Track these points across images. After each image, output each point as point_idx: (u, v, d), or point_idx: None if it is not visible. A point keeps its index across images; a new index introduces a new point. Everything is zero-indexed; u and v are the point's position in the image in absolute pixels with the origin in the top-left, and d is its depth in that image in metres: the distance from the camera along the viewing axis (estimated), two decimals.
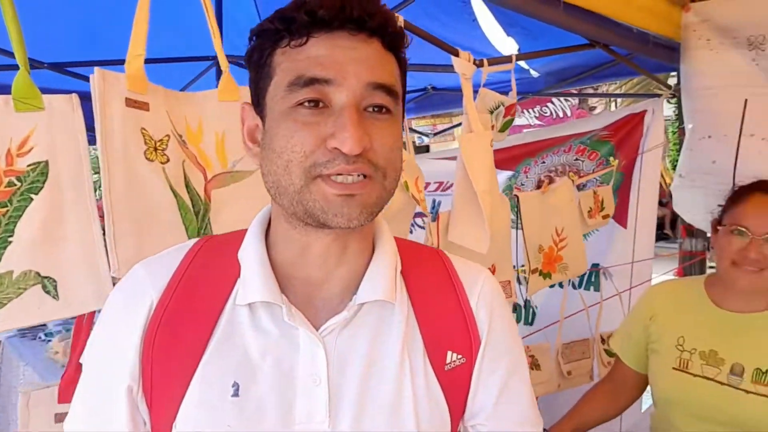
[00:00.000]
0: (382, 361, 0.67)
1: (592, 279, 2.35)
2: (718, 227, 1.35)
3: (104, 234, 0.94)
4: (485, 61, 1.50)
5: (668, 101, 2.58)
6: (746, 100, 2.19)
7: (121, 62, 0.96)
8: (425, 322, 0.70)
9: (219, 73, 1.14)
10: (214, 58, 2.43)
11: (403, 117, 0.71)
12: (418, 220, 1.54)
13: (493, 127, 1.52)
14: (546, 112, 12.23)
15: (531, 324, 2.29)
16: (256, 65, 0.63)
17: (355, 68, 0.59)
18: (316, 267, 0.67)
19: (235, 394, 0.63)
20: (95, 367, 0.68)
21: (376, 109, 0.61)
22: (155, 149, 0.98)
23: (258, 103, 0.65)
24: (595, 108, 11.64)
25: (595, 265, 2.32)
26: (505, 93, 1.58)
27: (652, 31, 2.17)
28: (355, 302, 0.67)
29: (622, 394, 1.52)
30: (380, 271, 0.69)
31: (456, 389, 0.70)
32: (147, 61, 0.97)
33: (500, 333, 0.74)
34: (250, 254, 0.67)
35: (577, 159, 2.61)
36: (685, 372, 1.34)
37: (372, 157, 0.60)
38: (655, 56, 2.27)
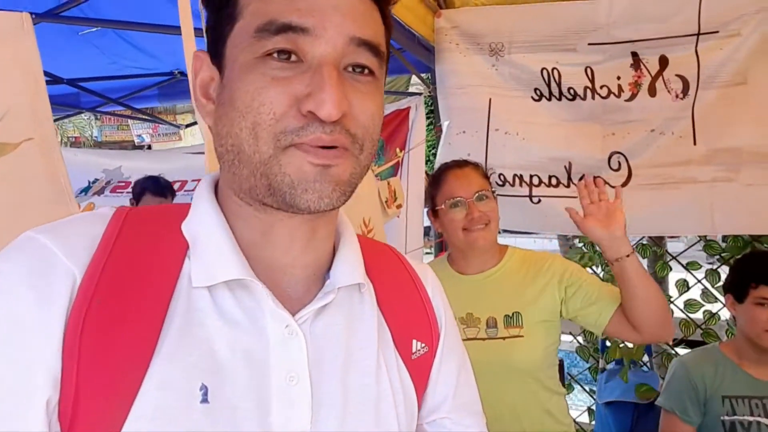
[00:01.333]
0: (359, 352, 0.61)
1: None
2: (436, 209, 1.52)
3: None
4: None
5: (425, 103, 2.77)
6: (490, 99, 2.48)
7: None
8: (389, 310, 0.66)
9: None
10: None
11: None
12: None
13: None
14: None
15: None
16: (216, 4, 0.54)
17: (339, 18, 0.51)
18: (281, 251, 0.58)
19: (204, 400, 0.51)
20: None
21: (358, 69, 0.53)
22: None
23: (216, 51, 0.55)
24: None
25: None
26: None
27: (415, 30, 2.29)
28: (333, 286, 0.59)
29: None
30: (351, 251, 0.63)
31: (421, 379, 0.68)
32: None
33: (451, 321, 0.74)
34: (209, 227, 0.56)
35: None
36: None
37: (350, 125, 0.52)
38: (419, 54, 2.41)
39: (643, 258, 2.86)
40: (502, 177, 2.46)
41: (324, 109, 0.49)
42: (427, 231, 2.87)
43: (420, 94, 2.64)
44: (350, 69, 0.53)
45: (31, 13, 1.65)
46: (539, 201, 2.42)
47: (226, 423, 0.52)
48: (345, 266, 0.61)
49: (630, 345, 2.64)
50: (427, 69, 2.57)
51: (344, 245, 0.63)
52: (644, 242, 2.83)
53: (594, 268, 2.88)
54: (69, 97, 3.27)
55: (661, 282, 2.92)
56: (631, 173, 2.30)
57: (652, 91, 2.28)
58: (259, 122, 0.50)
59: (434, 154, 3.04)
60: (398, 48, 2.29)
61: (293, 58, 0.51)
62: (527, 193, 2.43)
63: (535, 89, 2.41)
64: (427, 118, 2.95)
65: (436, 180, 1.54)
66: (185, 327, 0.53)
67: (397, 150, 2.18)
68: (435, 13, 2.47)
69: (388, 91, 5.74)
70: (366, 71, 0.54)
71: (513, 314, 1.45)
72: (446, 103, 2.52)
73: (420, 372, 0.67)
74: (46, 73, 2.65)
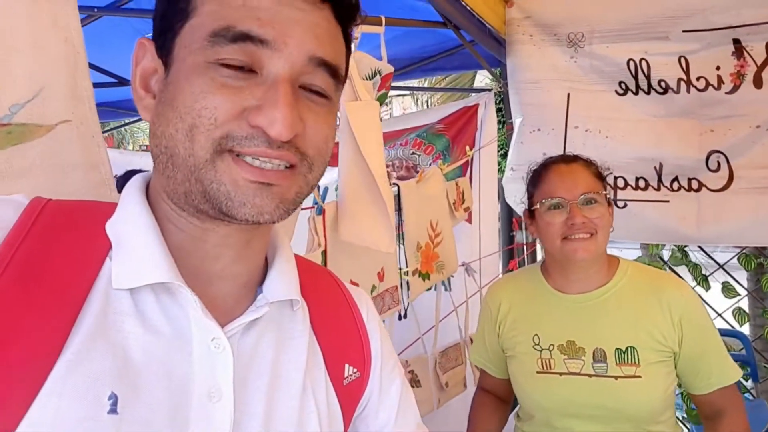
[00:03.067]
0: (288, 372, 0.59)
1: (448, 280, 2.22)
2: (533, 210, 1.30)
3: None
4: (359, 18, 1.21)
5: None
6: (569, 95, 2.29)
7: None
8: (323, 332, 0.64)
9: None
10: None
11: None
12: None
13: None
14: None
15: None
16: None
17: (300, 34, 0.49)
18: (211, 259, 0.55)
19: (113, 410, 0.47)
20: None
21: (314, 91, 0.52)
22: None
23: (163, 44, 0.51)
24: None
25: None
26: None
27: (485, 21, 2.14)
28: (266, 300, 0.57)
29: (506, 399, 1.43)
30: (286, 267, 0.61)
31: (350, 404, 0.66)
32: None
33: (388, 346, 0.73)
34: (136, 228, 0.52)
35: (413, 153, 2.48)
36: (550, 373, 1.26)
37: (301, 144, 0.51)
38: (490, 47, 2.25)
39: (747, 270, 2.56)
40: None
41: (275, 128, 0.47)
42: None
43: (489, 90, 2.47)
44: (307, 90, 0.51)
45: (93, 7, 1.62)
46: (625, 205, 2.20)
47: None
48: (278, 281, 0.59)
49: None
50: (497, 63, 2.41)
51: (279, 259, 0.61)
52: (747, 253, 2.53)
53: None
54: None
55: (766, 298, 2.61)
56: (732, 175, 2.05)
57: (758, 82, 2.02)
58: (197, 125, 0.48)
59: (504, 155, 2.87)
60: (469, 40, 2.13)
61: (247, 69, 0.49)
62: (611, 197, 2.22)
63: (620, 82, 2.20)
64: (497, 115, 2.78)
65: (536, 175, 1.31)
66: (98, 330, 0.48)
67: (467, 148, 2.02)
68: (506, 3, 2.30)
69: (452, 88, 5.63)
70: (322, 95, 0.52)
71: (627, 349, 1.21)
72: (519, 99, 2.34)
73: (350, 398, 0.66)
74: (113, 75, 2.64)
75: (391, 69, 1.31)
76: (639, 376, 1.19)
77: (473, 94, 2.54)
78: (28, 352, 0.45)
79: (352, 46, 1.22)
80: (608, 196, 1.27)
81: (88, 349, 0.47)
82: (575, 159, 1.30)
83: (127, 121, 3.97)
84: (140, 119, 3.81)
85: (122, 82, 2.63)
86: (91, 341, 0.48)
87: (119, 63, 2.32)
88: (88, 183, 0.58)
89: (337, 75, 0.53)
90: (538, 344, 1.27)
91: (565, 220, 1.21)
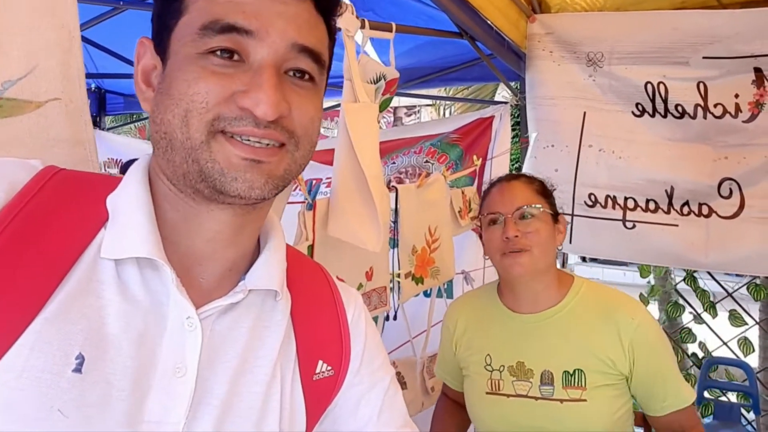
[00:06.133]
0: (257, 359, 0.60)
1: (444, 286, 2.22)
2: (479, 225, 1.31)
3: None
4: (366, 23, 1.25)
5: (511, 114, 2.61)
6: (585, 113, 2.28)
7: None
8: (301, 326, 0.66)
9: None
10: None
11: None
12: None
13: None
14: None
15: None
16: None
17: (282, 24, 0.53)
18: (203, 240, 0.58)
19: (77, 369, 0.50)
20: None
21: (298, 74, 0.55)
22: None
23: (161, 41, 0.55)
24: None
25: None
26: None
27: (506, 34, 2.15)
28: (244, 287, 0.60)
29: (465, 409, 1.41)
30: (274, 259, 0.63)
31: (318, 401, 0.67)
32: None
33: (375, 346, 0.74)
34: (132, 202, 0.56)
35: (427, 161, 2.51)
36: (499, 394, 1.25)
37: (288, 124, 0.54)
38: (508, 60, 2.26)
39: (756, 301, 2.51)
40: (592, 197, 2.25)
41: (261, 108, 0.51)
42: None
43: (506, 102, 2.48)
44: (291, 73, 0.54)
45: (119, 0, 1.69)
46: (633, 226, 2.18)
47: (95, 398, 0.50)
48: (263, 270, 0.61)
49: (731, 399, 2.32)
50: (516, 77, 2.42)
51: (269, 249, 0.63)
52: (758, 282, 2.48)
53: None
54: None
55: None
56: (744, 203, 2.03)
57: None
58: (190, 109, 0.51)
59: (518, 168, 2.87)
60: (487, 54, 2.15)
61: (236, 57, 0.52)
62: (620, 217, 2.20)
63: (637, 104, 2.19)
64: (513, 129, 2.78)
65: (484, 194, 1.33)
66: (78, 294, 0.52)
67: (474, 158, 2.03)
68: (529, 18, 2.31)
69: (473, 99, 5.64)
70: (306, 76, 0.55)
71: (575, 371, 1.19)
72: (535, 114, 2.35)
73: (318, 394, 0.67)
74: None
75: (396, 75, 1.34)
76: (584, 400, 1.17)
77: (490, 106, 2.55)
78: (11, 305, 0.49)
79: (360, 47, 1.26)
80: (552, 212, 1.25)
81: (66, 309, 0.51)
82: (518, 177, 1.32)
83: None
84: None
85: None
86: (70, 303, 0.51)
87: None
88: (73, 158, 0.62)
89: (320, 60, 0.56)
90: (490, 364, 1.27)
91: (500, 235, 1.21)
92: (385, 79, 1.31)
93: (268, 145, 0.53)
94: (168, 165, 0.54)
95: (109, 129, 3.39)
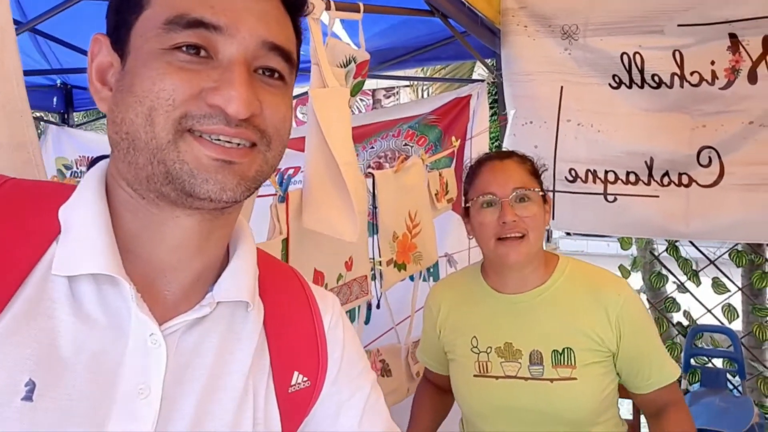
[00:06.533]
0: (228, 375, 0.57)
1: (430, 269, 2.21)
2: (467, 207, 1.25)
3: None
4: (332, 4, 1.20)
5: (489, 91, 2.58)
6: (562, 87, 2.26)
7: None
8: (275, 336, 0.63)
9: None
10: None
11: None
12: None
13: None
14: None
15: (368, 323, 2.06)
16: None
17: (252, 21, 0.51)
18: (167, 250, 0.54)
19: (27, 397, 0.46)
20: None
21: (268, 72, 0.53)
22: None
23: (118, 37, 0.52)
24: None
25: None
26: None
27: (479, 11, 2.11)
28: (212, 299, 0.56)
29: (448, 390, 1.40)
30: (244, 267, 0.59)
31: (294, 414, 0.65)
32: None
33: (354, 352, 0.72)
34: (86, 214, 0.52)
35: (406, 144, 2.47)
36: (487, 377, 1.23)
37: (259, 123, 0.52)
38: (482, 37, 2.22)
39: (738, 267, 2.53)
40: (573, 172, 2.23)
41: (232, 105, 0.48)
42: None
43: (482, 80, 2.45)
44: (261, 72, 0.53)
45: None
46: (615, 200, 2.18)
47: (48, 426, 0.46)
48: (232, 280, 0.58)
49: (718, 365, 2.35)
50: (491, 54, 2.38)
51: (238, 257, 0.60)
52: (739, 249, 2.50)
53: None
54: None
55: (759, 295, 2.58)
56: (723, 171, 2.03)
57: (753, 78, 1.99)
58: (155, 107, 0.48)
59: (497, 147, 2.85)
60: (461, 32, 2.11)
61: (203, 53, 0.50)
62: (602, 191, 2.20)
63: (614, 76, 2.17)
64: (491, 107, 2.76)
65: (471, 172, 1.26)
66: (26, 315, 0.48)
67: (453, 139, 2.00)
68: None
69: (449, 78, 5.58)
70: (276, 75, 0.53)
71: (564, 350, 1.18)
72: (512, 91, 2.32)
73: (294, 406, 0.64)
74: None
75: (366, 57, 1.30)
76: (574, 378, 1.16)
77: (467, 85, 2.52)
78: None
79: (327, 29, 1.22)
80: (543, 193, 1.22)
81: (12, 333, 0.47)
82: (510, 155, 1.26)
83: None
84: None
85: None
86: (17, 326, 0.47)
87: None
88: (14, 163, 0.58)
89: (290, 59, 0.55)
90: (477, 347, 1.25)
91: (497, 219, 1.16)
92: (355, 62, 1.26)
93: (239, 144, 0.51)
94: (129, 168, 0.51)
95: (78, 125, 3.28)
